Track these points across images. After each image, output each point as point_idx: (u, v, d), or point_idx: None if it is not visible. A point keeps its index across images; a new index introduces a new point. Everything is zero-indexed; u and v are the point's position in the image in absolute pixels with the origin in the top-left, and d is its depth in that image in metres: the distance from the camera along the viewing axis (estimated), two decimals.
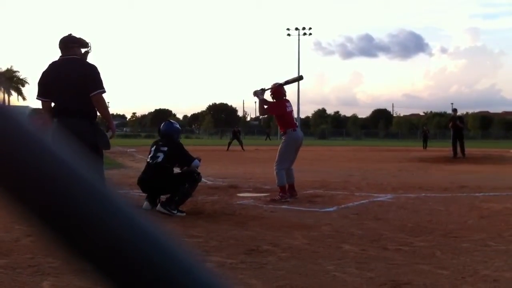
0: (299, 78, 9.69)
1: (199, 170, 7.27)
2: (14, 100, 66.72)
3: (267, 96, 8.95)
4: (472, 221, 6.54)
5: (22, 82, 74.57)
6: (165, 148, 7.16)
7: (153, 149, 7.33)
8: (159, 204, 6.77)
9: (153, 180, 6.96)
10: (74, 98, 5.54)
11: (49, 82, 5.70)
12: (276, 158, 8.62)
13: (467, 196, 8.99)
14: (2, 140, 0.40)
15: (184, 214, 6.76)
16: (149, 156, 7.29)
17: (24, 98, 70.15)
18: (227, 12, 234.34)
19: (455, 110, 22.20)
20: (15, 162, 0.40)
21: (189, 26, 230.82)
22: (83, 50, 5.85)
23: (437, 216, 6.91)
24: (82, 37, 5.87)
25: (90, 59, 5.94)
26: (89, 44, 5.89)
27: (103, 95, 5.72)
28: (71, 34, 5.88)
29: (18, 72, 75.10)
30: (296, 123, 9.04)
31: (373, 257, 4.71)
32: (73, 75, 5.62)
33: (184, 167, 7.20)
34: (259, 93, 8.86)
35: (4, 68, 73.13)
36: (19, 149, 0.40)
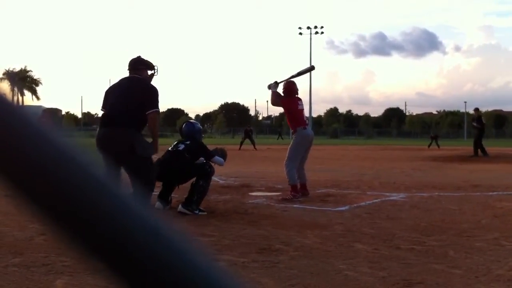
0: (311, 68, 9.71)
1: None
2: (29, 100, 67.21)
3: (279, 91, 8.96)
4: (485, 220, 6.50)
5: (36, 82, 75.12)
6: (188, 142, 7.30)
7: (175, 143, 7.48)
8: (180, 205, 6.82)
9: (170, 163, 7.01)
10: (124, 110, 5.90)
11: (108, 94, 6.26)
12: (286, 156, 8.63)
13: (480, 195, 8.93)
14: (14, 139, 0.40)
15: (205, 213, 6.79)
16: (170, 147, 7.42)
17: (38, 98, 70.72)
18: (239, 11, 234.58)
19: (476, 110, 22.20)
20: (26, 161, 0.40)
21: (201, 25, 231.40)
22: (149, 72, 6.38)
23: (450, 215, 6.87)
24: (149, 60, 6.41)
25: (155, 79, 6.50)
26: (156, 67, 6.43)
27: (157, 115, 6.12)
28: (140, 56, 6.41)
29: (31, 71, 75.70)
30: (306, 122, 9.03)
31: (386, 256, 4.70)
32: (131, 91, 6.06)
33: (207, 160, 7.28)
34: (272, 86, 8.89)
35: (17, 68, 73.74)
36: (30, 148, 0.40)
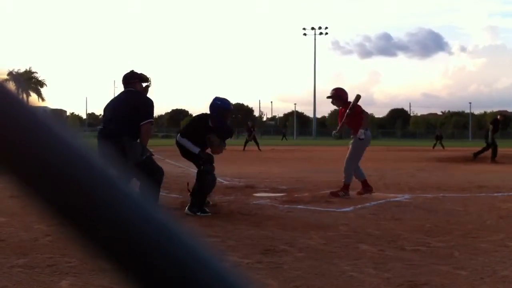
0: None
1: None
2: (34, 101, 67.13)
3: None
4: (490, 222, 6.48)
5: (41, 83, 75.32)
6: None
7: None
8: (186, 208, 6.89)
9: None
10: (119, 123, 6.18)
11: (106, 109, 6.56)
12: (351, 155, 8.76)
13: (485, 196, 8.91)
14: (25, 136, 0.40)
15: (209, 214, 6.82)
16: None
17: (43, 99, 70.94)
18: (243, 12, 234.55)
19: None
20: (36, 159, 0.40)
21: (205, 26, 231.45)
22: (144, 84, 6.61)
23: (455, 216, 6.86)
24: (143, 73, 6.66)
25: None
26: (150, 79, 6.67)
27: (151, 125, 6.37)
28: (133, 70, 6.65)
29: (36, 73, 75.87)
30: None
31: (390, 257, 4.69)
32: (126, 105, 6.33)
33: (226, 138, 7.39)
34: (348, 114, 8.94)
35: (22, 69, 73.93)
36: (39, 146, 0.40)
